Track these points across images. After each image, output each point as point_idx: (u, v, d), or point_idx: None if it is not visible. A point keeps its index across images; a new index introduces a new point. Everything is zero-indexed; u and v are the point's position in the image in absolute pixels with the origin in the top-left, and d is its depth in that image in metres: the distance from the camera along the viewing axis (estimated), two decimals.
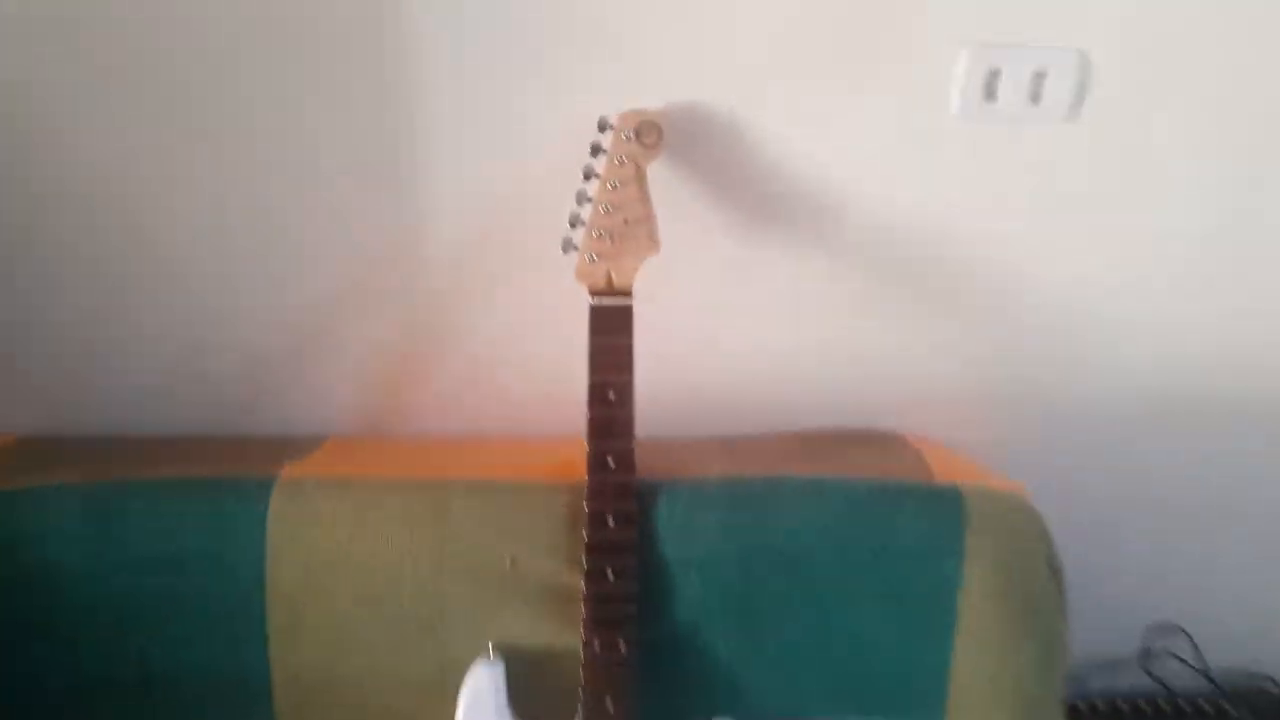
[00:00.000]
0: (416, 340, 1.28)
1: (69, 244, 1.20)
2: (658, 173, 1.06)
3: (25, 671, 1.05)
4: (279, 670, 1.07)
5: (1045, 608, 1.08)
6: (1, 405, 1.27)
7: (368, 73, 1.13)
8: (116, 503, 1.05)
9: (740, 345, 1.29)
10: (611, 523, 1.04)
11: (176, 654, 1.06)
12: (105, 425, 1.28)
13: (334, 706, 1.08)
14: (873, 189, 1.20)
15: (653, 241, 1.05)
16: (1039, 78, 1.11)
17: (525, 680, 1.06)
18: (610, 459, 1.04)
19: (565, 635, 1.07)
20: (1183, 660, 1.46)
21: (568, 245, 1.05)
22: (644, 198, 1.05)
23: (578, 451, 1.04)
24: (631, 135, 1.03)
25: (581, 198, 1.04)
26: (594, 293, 1.05)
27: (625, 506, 1.05)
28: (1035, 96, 1.12)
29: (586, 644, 1.05)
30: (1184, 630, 1.45)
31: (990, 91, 1.11)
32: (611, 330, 1.04)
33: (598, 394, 1.04)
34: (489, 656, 1.06)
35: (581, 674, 1.05)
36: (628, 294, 1.05)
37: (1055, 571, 1.10)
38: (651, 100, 1.13)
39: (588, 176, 1.04)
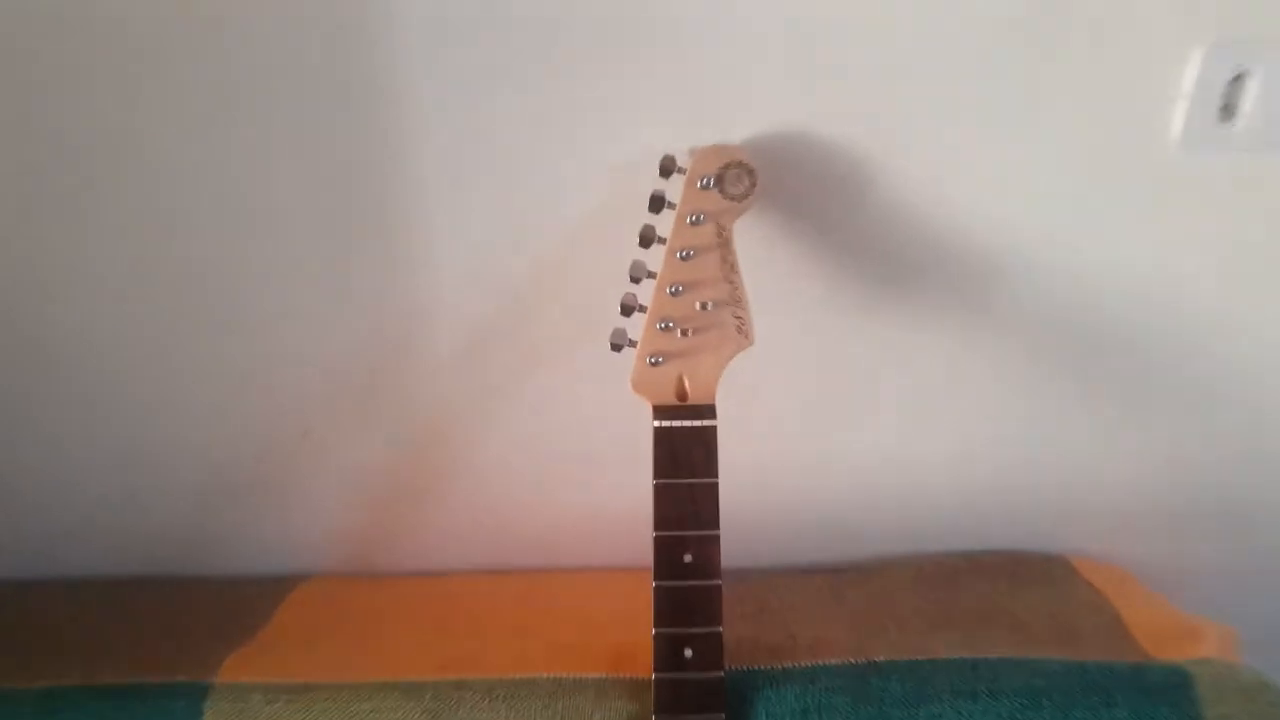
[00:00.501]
0: (413, 460, 0.99)
1: None
2: (741, 228, 0.74)
3: None
4: None
5: None
6: None
7: (334, 115, 0.82)
8: None
9: (853, 454, 0.97)
10: None
11: None
12: (35, 569, 1.00)
13: None
14: (1043, 249, 0.86)
15: (743, 333, 0.73)
16: None
17: None
18: (687, 650, 0.72)
19: None
20: None
21: (620, 341, 0.73)
22: (730, 271, 0.73)
23: (637, 615, 0.72)
24: (710, 182, 0.71)
25: (638, 273, 0.72)
26: (660, 410, 0.73)
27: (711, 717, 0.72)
28: None
29: None
30: None
31: (1229, 108, 0.78)
32: (686, 463, 0.72)
33: (669, 556, 0.72)
34: None
35: None
36: (709, 410, 0.73)
37: None
38: (732, 128, 0.81)
39: (646, 243, 0.72)
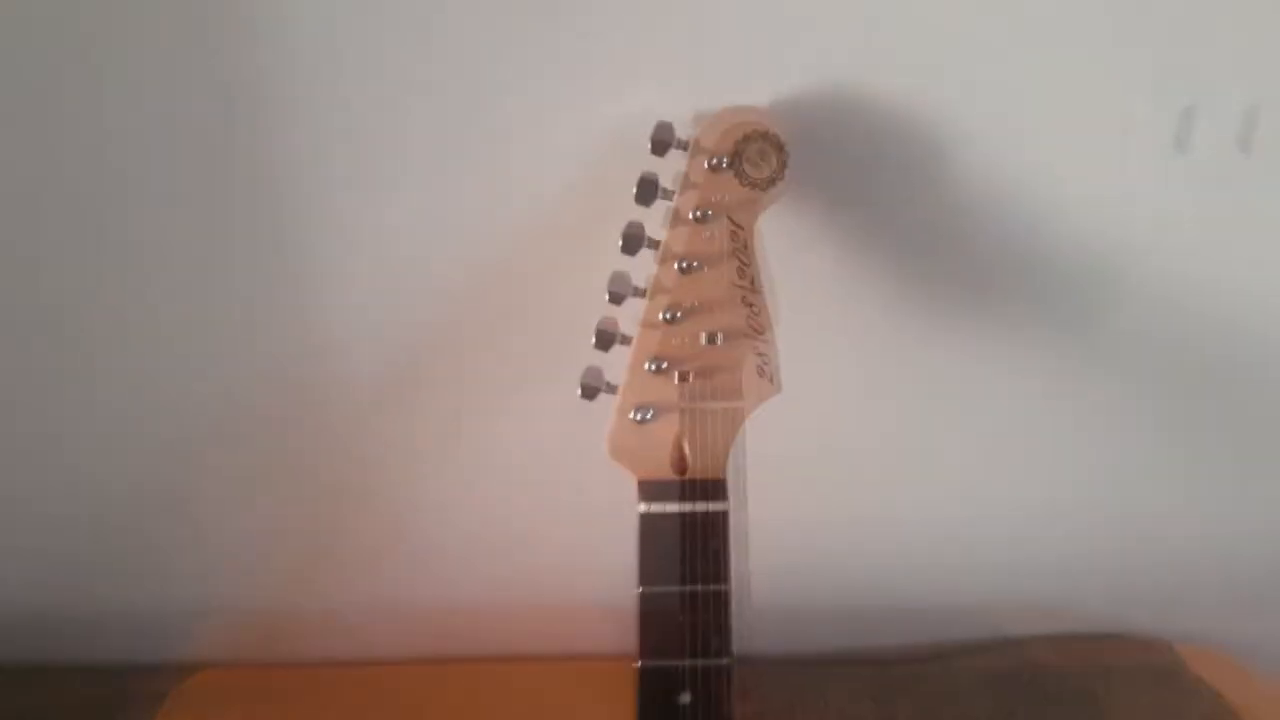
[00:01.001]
0: (330, 525, 0.76)
1: None
2: (766, 228, 0.53)
3: None
4: None
5: None
6: None
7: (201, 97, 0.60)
8: None
9: (905, 515, 0.76)
10: None
11: None
12: None
13: None
14: (1141, 263, 0.65)
15: (767, 377, 0.52)
16: None
17: None
18: None
19: None
20: None
21: (594, 384, 0.52)
22: (749, 289, 0.51)
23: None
24: (724, 162, 0.49)
25: (620, 289, 0.51)
26: (648, 487, 0.51)
27: None
28: None
29: None
30: None
31: None
32: (687, 564, 0.50)
33: (657, 694, 0.51)
34: None
35: None
36: (718, 488, 0.51)
37: None
38: (753, 85, 0.58)
39: (632, 247, 0.50)
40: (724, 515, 0.51)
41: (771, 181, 0.50)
